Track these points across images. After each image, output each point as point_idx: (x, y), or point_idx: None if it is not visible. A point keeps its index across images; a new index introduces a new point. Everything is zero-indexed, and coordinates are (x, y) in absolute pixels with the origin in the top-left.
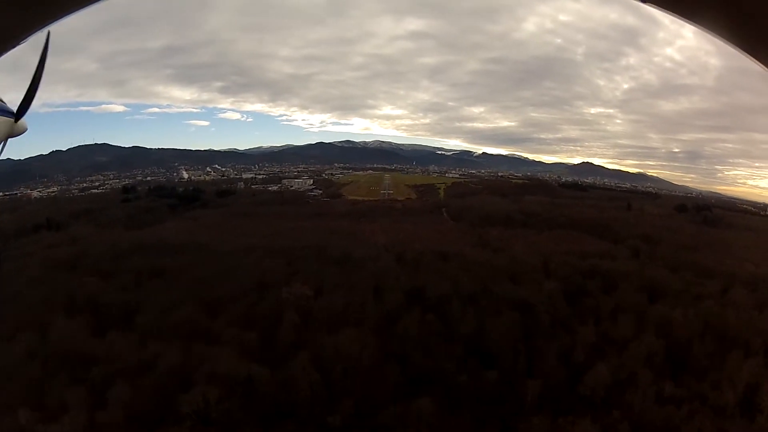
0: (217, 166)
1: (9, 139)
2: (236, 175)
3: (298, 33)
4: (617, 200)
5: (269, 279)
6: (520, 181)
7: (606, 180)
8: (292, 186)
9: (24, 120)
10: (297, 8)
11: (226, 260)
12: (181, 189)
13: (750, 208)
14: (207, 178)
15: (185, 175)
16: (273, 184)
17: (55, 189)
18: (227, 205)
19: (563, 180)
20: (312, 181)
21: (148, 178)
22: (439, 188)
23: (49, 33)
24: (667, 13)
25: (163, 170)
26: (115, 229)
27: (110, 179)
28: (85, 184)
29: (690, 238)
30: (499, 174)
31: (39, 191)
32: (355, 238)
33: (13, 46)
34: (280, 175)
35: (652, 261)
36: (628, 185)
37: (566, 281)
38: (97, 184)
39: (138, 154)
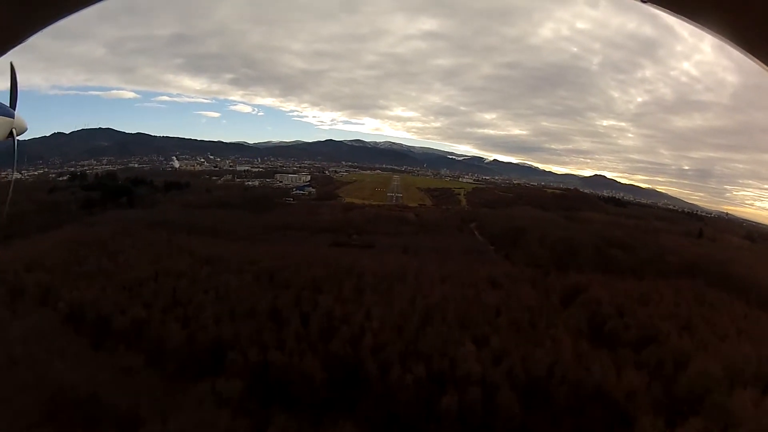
0: (209, 155)
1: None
2: (230, 166)
3: (309, 27)
4: (665, 221)
5: None
6: (558, 191)
7: (621, 194)
8: (281, 182)
9: (23, 119)
10: (307, 1)
11: None
12: (117, 182)
13: None
14: (197, 168)
15: (176, 164)
16: (264, 179)
17: (40, 172)
18: (159, 204)
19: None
20: (310, 177)
21: (136, 165)
22: (459, 193)
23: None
24: (667, 12)
25: (162, 158)
26: None
27: (103, 164)
28: (73, 168)
29: None
30: (515, 182)
31: (22, 173)
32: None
33: (15, 45)
34: (277, 169)
35: None
36: (648, 201)
37: None
38: (86, 168)
39: (140, 140)
